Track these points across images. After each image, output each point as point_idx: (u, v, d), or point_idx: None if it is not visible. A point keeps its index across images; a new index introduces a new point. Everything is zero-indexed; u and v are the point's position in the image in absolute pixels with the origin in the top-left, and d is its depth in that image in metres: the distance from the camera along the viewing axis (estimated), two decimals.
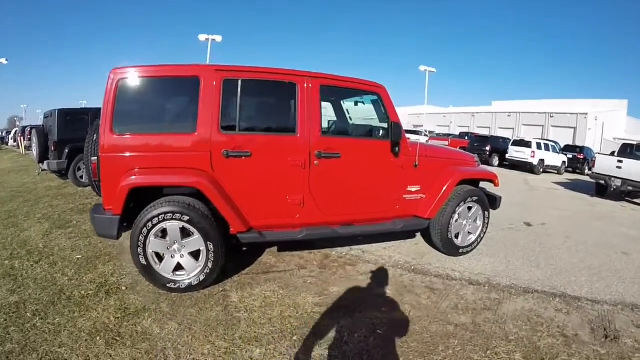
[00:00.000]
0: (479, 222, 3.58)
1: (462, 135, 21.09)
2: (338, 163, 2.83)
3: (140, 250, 2.47)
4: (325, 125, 3.21)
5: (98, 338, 2.12)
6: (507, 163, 15.17)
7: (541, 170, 14.10)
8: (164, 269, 2.56)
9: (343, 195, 2.95)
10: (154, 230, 2.46)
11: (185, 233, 2.53)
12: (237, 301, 2.56)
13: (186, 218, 2.46)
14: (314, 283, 2.87)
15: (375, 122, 3.32)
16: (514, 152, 14.56)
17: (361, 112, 3.83)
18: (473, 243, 3.58)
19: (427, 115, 33.91)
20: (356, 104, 3.55)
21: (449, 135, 23.60)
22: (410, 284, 2.94)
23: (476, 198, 3.43)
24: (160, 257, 2.56)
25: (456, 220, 3.39)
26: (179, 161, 2.48)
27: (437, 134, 24.57)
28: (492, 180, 3.73)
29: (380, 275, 3.06)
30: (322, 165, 2.76)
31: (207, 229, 2.50)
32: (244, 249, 3.46)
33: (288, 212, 2.75)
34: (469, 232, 3.56)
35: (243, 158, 2.55)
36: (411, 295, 2.75)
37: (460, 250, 3.52)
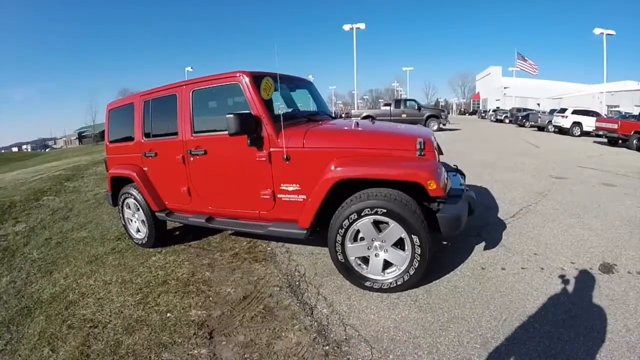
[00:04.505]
0: (407, 251, 2.43)
1: None
2: (206, 159, 3.10)
3: (120, 215, 3.98)
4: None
5: (87, 258, 3.78)
6: None
7: None
8: (132, 229, 3.95)
9: (217, 189, 3.15)
10: (124, 204, 3.89)
11: (137, 207, 3.79)
12: (154, 260, 3.57)
13: (132, 197, 3.72)
14: (205, 265, 3.31)
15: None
16: None
17: (300, 100, 3.83)
18: (396, 280, 2.50)
19: (623, 93, 27.74)
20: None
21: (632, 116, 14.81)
22: (262, 301, 2.59)
23: (384, 211, 2.37)
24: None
25: (360, 239, 2.53)
26: (129, 160, 3.75)
27: (624, 115, 15.93)
28: (420, 183, 2.34)
29: (255, 278, 2.97)
30: (195, 161, 3.17)
31: (142, 206, 3.66)
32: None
33: (183, 200, 3.40)
34: (387, 261, 2.54)
35: (151, 157, 3.50)
36: (218, 311, 2.50)
37: (367, 283, 2.57)
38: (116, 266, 3.52)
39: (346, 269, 2.61)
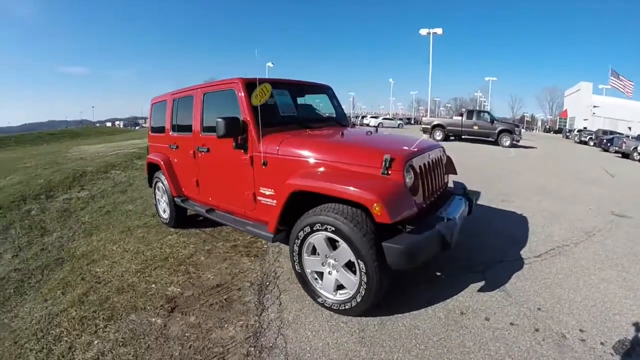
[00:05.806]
0: (357, 277, 2.24)
1: None
2: (209, 156, 3.37)
3: (153, 196, 4.59)
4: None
5: (122, 228, 4.46)
6: None
7: None
8: (160, 209, 4.53)
9: (217, 184, 3.40)
10: (156, 186, 4.50)
11: (164, 191, 4.34)
12: (169, 238, 4.05)
13: (161, 182, 4.28)
14: (205, 250, 3.62)
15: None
16: None
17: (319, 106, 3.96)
18: (344, 303, 2.35)
19: None
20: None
21: None
22: (229, 292, 2.74)
23: (333, 229, 2.21)
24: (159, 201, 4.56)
25: (317, 253, 2.44)
26: (160, 149, 4.30)
27: None
28: (365, 205, 2.11)
29: (237, 270, 3.11)
30: (202, 157, 3.47)
31: (167, 190, 4.18)
32: None
33: (194, 190, 3.78)
34: (338, 282, 2.40)
35: (174, 149, 3.97)
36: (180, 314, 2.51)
37: (319, 299, 2.48)
38: (139, 239, 4.09)
39: (303, 281, 2.59)
